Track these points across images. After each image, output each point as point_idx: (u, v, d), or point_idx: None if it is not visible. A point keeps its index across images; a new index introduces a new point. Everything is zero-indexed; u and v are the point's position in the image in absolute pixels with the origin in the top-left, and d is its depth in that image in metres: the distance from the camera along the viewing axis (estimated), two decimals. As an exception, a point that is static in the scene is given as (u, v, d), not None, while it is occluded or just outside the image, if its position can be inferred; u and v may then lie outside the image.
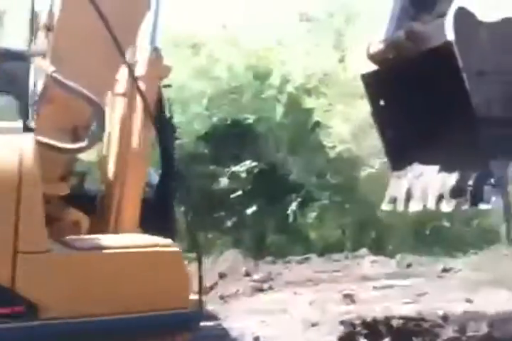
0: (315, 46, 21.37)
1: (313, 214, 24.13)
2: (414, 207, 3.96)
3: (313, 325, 7.14)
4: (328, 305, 8.37)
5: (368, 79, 4.37)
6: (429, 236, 24.10)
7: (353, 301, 8.69)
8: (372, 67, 4.25)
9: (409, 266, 12.69)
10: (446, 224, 24.45)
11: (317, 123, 21.76)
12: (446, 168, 3.90)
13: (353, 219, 24.07)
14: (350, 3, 22.93)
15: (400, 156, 4.32)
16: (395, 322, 7.31)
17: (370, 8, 21.70)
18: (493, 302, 8.84)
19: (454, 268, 12.01)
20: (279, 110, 21.25)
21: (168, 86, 5.11)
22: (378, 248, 18.10)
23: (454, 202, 3.82)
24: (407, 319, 7.47)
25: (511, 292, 9.67)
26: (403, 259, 13.36)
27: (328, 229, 25.21)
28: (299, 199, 21.81)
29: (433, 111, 4.10)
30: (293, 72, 21.07)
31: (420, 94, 4.14)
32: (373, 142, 20.73)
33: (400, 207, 4.02)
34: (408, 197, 4.04)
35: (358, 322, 7.01)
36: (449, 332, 7.75)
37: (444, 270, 11.88)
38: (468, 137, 3.58)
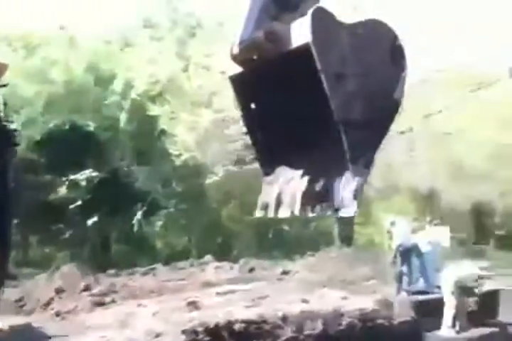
0: (158, 53, 21.25)
1: (159, 223, 23.89)
2: (283, 213, 3.85)
3: (157, 335, 6.98)
4: (172, 314, 8.26)
5: (235, 81, 4.12)
6: (271, 240, 25.17)
7: (196, 308, 8.68)
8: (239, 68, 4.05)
9: (251, 270, 13.06)
10: (286, 227, 25.75)
11: (163, 131, 21.63)
12: (311, 172, 3.80)
13: (199, 226, 24.29)
14: (194, 12, 23.23)
15: (269, 160, 4.10)
16: (237, 327, 7.42)
17: (215, 17, 22.23)
18: (327, 301, 9.42)
19: (292, 270, 12.61)
20: (123, 117, 20.75)
21: (4, 86, 4.66)
22: (223, 254, 18.40)
23: (318, 207, 3.73)
24: (248, 322, 7.63)
25: (343, 291, 10.42)
26: (246, 264, 13.71)
27: (174, 237, 25.12)
28: (145, 208, 21.45)
29: (297, 115, 3.98)
30: (136, 79, 20.71)
31: (284, 96, 3.96)
32: (217, 150, 21.19)
33: (271, 214, 3.89)
34: (278, 203, 3.89)
35: (200, 329, 7.00)
36: (288, 332, 8.05)
37: (284, 272, 12.42)
38: (330, 141, 3.50)
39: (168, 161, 21.29)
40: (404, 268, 10.28)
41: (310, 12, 3.42)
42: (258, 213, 3.96)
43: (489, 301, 10.01)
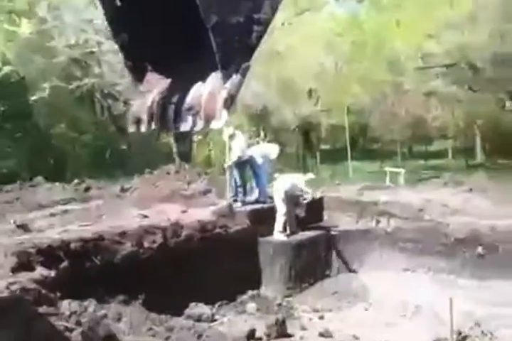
0: None
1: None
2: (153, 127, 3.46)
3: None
4: (1, 238, 7.71)
5: None
6: (108, 160, 24.48)
7: (28, 230, 8.21)
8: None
9: (87, 189, 12.60)
10: (124, 146, 25.15)
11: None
12: (182, 82, 3.44)
13: (27, 147, 22.64)
14: None
15: (138, 66, 3.62)
16: (72, 246, 7.19)
17: None
18: (167, 215, 9.51)
19: (131, 187, 12.42)
20: None
21: None
22: (56, 175, 17.46)
23: (190, 120, 3.41)
24: (84, 241, 7.43)
25: (182, 205, 10.59)
26: (81, 184, 13.19)
27: (1, 159, 23.20)
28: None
29: (166, 16, 3.55)
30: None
31: None
32: (41, 64, 19.39)
33: (143, 128, 3.48)
34: (151, 115, 3.47)
35: (33, 250, 6.67)
36: (127, 247, 8.03)
37: (122, 190, 12.19)
38: (201, 48, 3.21)
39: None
40: (240, 180, 10.67)
41: None
42: (130, 128, 3.65)
43: (315, 208, 10.93)
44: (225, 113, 3.25)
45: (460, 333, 4.57)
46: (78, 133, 24.65)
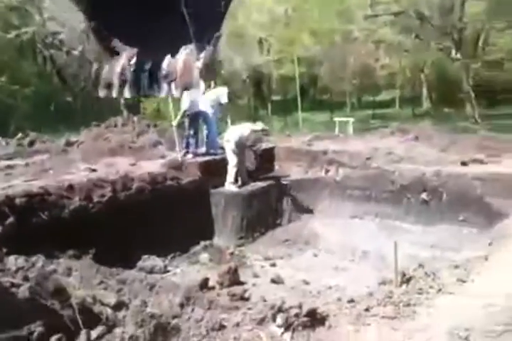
0: None
1: None
2: (128, 93, 3.37)
3: None
4: None
5: None
6: (53, 113, 23.64)
7: (-31, 187, 7.90)
8: None
9: (31, 144, 12.18)
10: (69, 99, 24.27)
11: None
12: (150, 51, 3.33)
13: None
14: None
15: (105, 32, 3.47)
16: (17, 201, 7.00)
17: None
18: (116, 168, 9.35)
19: (78, 140, 12.09)
20: None
21: None
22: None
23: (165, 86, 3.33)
24: (30, 196, 7.24)
25: (132, 157, 10.41)
26: (24, 138, 12.72)
27: None
28: None
29: None
30: None
31: None
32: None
33: (115, 94, 3.36)
34: (123, 81, 3.37)
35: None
36: (76, 202, 7.88)
37: (68, 143, 11.85)
38: (170, 18, 3.11)
39: None
40: (191, 132, 10.54)
41: None
42: (100, 92, 3.56)
43: (266, 158, 10.98)
44: (201, 82, 3.26)
45: (404, 275, 4.76)
46: (20, 86, 23.53)
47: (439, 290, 4.43)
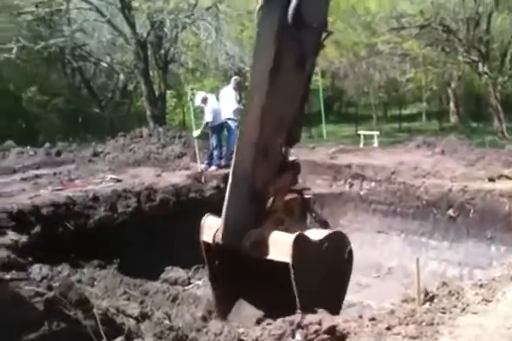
0: None
1: None
2: None
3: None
4: (-32, 203, 7.55)
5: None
6: (81, 124, 24.05)
7: (-2, 196, 8.08)
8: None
9: (59, 153, 12.37)
10: (97, 110, 24.66)
11: None
12: None
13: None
14: None
15: None
16: (44, 211, 7.11)
17: None
18: (141, 179, 9.43)
19: (103, 151, 12.24)
20: None
21: None
22: (28, 139, 17.10)
23: None
24: (57, 205, 7.35)
25: (157, 168, 10.51)
26: (52, 148, 12.94)
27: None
28: None
29: None
30: None
31: None
32: (6, 23, 18.64)
33: None
34: None
35: (3, 215, 6.56)
36: (101, 212, 7.97)
37: (95, 154, 12.01)
38: None
39: None
40: (215, 143, 10.58)
41: (292, 238, 4.52)
42: None
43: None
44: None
45: (428, 293, 4.67)
46: (49, 96, 24.03)
47: (463, 309, 4.33)
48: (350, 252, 5.19)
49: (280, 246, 4.65)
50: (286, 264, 4.59)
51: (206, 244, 5.22)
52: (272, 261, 4.70)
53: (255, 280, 5.04)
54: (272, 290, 4.90)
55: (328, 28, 4.83)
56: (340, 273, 5.11)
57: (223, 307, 5.24)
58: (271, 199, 5.23)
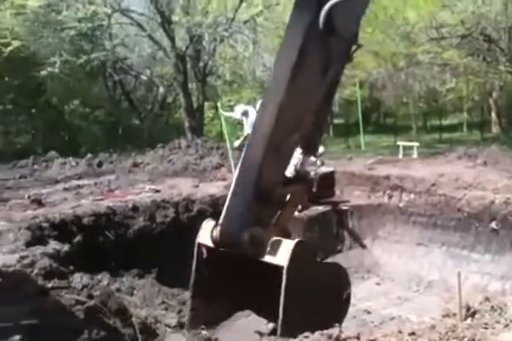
0: None
1: (-8, 120, 21.94)
2: None
3: (-3, 235, 6.57)
4: (14, 212, 7.79)
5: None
6: (121, 135, 24.53)
7: (41, 205, 8.29)
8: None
9: (100, 164, 12.65)
10: (137, 122, 25.16)
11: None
12: None
13: (41, 122, 22.74)
14: None
15: None
16: (85, 220, 7.26)
17: None
18: (179, 189, 9.53)
19: (143, 162, 12.45)
20: None
21: None
22: (70, 150, 17.58)
23: None
24: (97, 215, 7.49)
25: (194, 179, 10.61)
26: (93, 158, 13.25)
27: (16, 135, 23.37)
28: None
29: None
30: None
31: None
32: (50, 38, 19.26)
33: None
34: None
35: (46, 225, 6.74)
36: (140, 221, 8.09)
37: (134, 165, 12.23)
38: None
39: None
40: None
41: (293, 243, 4.41)
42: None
43: (327, 182, 10.83)
44: None
45: (469, 308, 4.53)
46: (91, 109, 24.66)
47: (506, 325, 4.19)
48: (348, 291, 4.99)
49: (279, 249, 4.47)
50: (279, 269, 4.41)
51: (201, 245, 5.11)
52: (265, 264, 4.55)
53: (245, 283, 4.88)
54: (261, 295, 4.76)
55: (358, 40, 4.70)
56: (335, 297, 4.86)
57: (199, 315, 5.05)
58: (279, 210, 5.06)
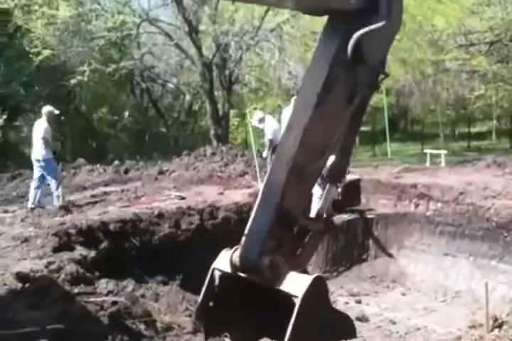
0: None
1: (24, 128, 22.37)
2: None
3: (25, 240, 6.69)
4: (41, 218, 7.94)
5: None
6: (148, 143, 24.84)
7: (68, 211, 8.43)
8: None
9: (126, 171, 12.81)
10: (163, 129, 25.44)
11: (18, 27, 19.54)
12: None
13: (70, 130, 23.15)
14: None
15: None
16: (112, 227, 7.35)
17: None
18: (204, 197, 9.58)
19: (168, 169, 12.56)
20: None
21: None
22: (98, 157, 17.85)
23: None
24: (124, 222, 7.58)
25: (219, 186, 10.65)
26: (120, 166, 13.42)
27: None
28: (7, 113, 19.83)
29: None
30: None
31: None
32: (80, 47, 19.66)
33: None
34: None
35: (73, 231, 6.84)
36: (165, 228, 8.15)
37: (160, 172, 12.34)
38: None
39: (27, 61, 19.38)
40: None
41: (311, 278, 4.32)
42: None
43: (352, 191, 10.77)
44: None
45: (496, 319, 4.45)
46: (118, 116, 25.03)
47: (537, 337, 4.10)
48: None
49: (296, 280, 4.41)
50: (291, 300, 4.34)
51: (215, 269, 5.05)
52: (277, 294, 4.44)
53: (250, 311, 4.80)
54: (267, 323, 4.71)
55: (385, 70, 4.66)
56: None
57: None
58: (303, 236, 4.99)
